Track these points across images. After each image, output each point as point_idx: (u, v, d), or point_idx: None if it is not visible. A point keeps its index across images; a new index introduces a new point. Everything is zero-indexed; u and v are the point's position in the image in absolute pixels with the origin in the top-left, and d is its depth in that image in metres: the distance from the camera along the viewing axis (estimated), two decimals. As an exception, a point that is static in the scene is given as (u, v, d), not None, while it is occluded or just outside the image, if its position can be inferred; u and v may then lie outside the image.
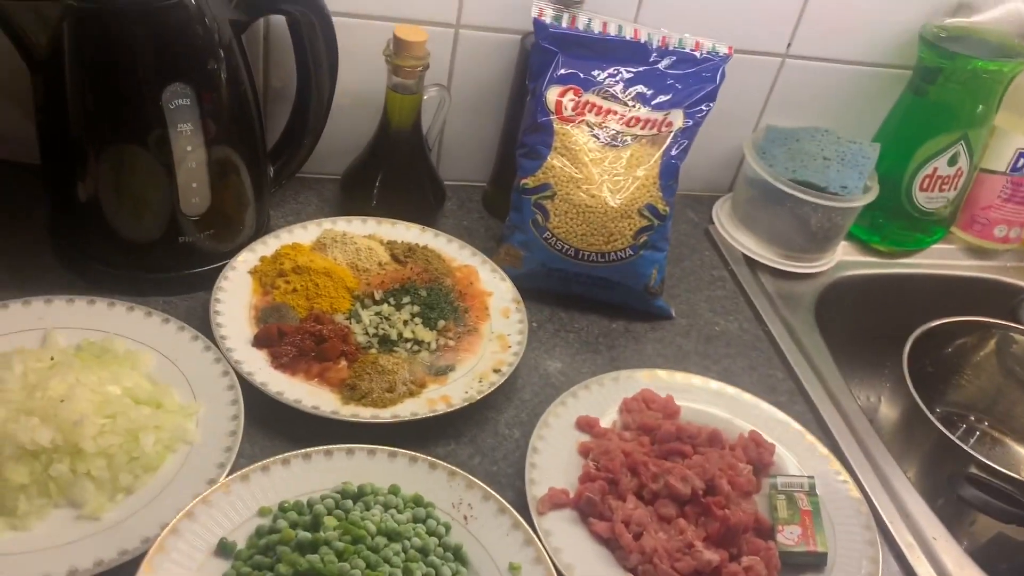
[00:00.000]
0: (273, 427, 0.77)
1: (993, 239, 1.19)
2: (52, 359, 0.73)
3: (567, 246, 0.93)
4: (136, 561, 0.62)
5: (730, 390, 0.88)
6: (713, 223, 1.16)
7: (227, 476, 0.69)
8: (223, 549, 0.65)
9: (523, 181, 0.94)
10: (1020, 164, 1.13)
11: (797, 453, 0.83)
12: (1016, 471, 1.07)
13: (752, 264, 1.10)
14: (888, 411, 1.07)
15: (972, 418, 1.14)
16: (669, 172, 0.94)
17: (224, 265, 0.87)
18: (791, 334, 1.01)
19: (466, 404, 0.79)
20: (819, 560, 0.73)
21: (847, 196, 1.05)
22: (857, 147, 1.08)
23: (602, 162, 0.93)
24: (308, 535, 0.65)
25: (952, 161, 1.10)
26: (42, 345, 0.77)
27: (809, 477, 0.79)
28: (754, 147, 1.10)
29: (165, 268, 0.86)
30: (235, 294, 0.85)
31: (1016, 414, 1.11)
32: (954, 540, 0.82)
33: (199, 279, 0.87)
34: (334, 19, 0.90)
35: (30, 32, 0.74)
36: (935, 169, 1.10)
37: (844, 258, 1.15)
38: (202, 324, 0.82)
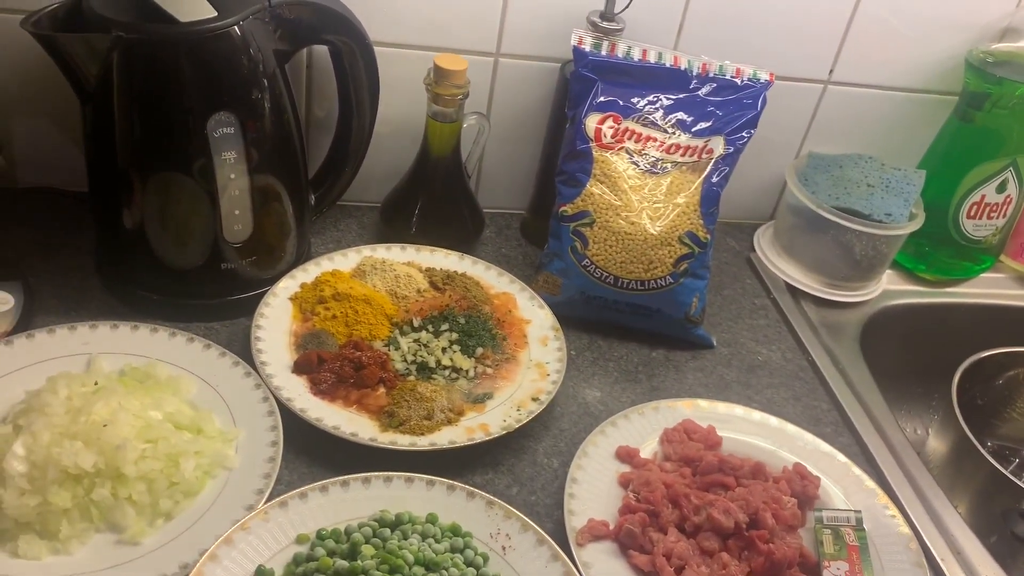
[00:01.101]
0: (312, 454, 0.77)
1: (1043, 268, 1.16)
2: (96, 384, 0.74)
3: (606, 273, 0.92)
4: (175, 587, 0.62)
5: (773, 421, 0.86)
6: (755, 251, 1.14)
7: (265, 503, 0.69)
8: (261, 576, 0.65)
9: (562, 208, 0.93)
10: (1071, 191, 1.11)
11: (843, 486, 0.81)
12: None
13: (795, 293, 1.08)
14: (937, 444, 1.04)
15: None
16: (710, 199, 0.93)
17: (265, 291, 0.88)
18: (835, 364, 0.99)
19: (504, 433, 0.78)
20: (867, 598, 0.71)
21: (892, 224, 1.03)
22: (902, 174, 1.07)
23: (642, 189, 0.93)
24: (345, 564, 0.64)
25: (1001, 188, 1.08)
26: (86, 370, 0.78)
27: (856, 511, 0.77)
28: (796, 174, 1.08)
29: (208, 295, 0.87)
30: (275, 320, 0.86)
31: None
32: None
33: (241, 305, 0.88)
34: (376, 49, 0.91)
35: (81, 63, 0.76)
36: (983, 196, 1.08)
37: (889, 287, 1.12)
38: (243, 350, 0.83)
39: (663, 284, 0.93)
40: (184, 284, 0.87)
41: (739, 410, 0.87)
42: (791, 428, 0.86)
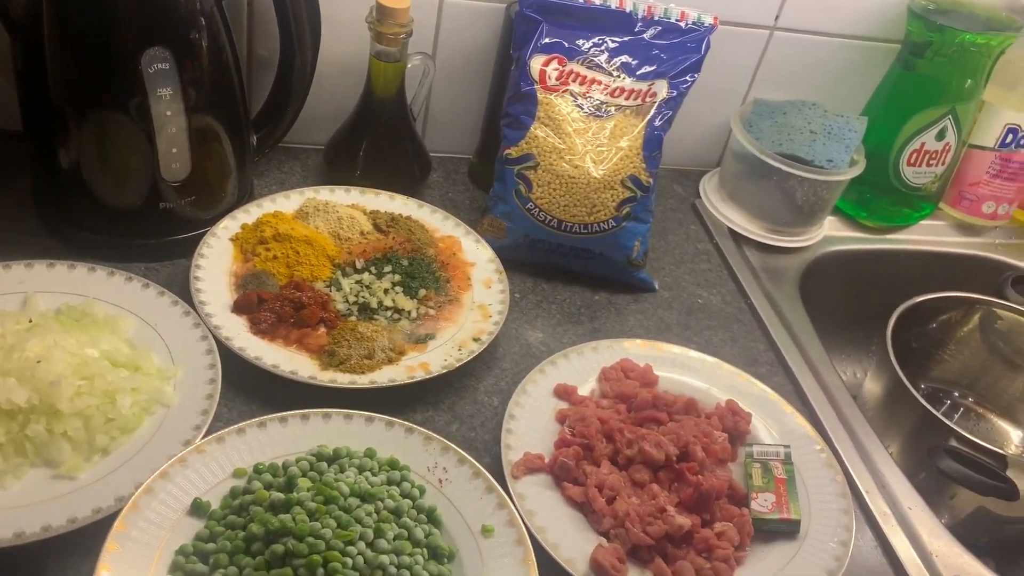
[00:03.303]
0: (252, 393, 0.78)
1: (981, 215, 1.19)
2: (30, 322, 0.73)
3: (550, 217, 0.93)
4: (110, 519, 0.62)
5: (710, 360, 0.88)
6: (700, 197, 1.16)
7: (203, 438, 0.70)
8: (197, 509, 0.65)
9: (506, 151, 0.94)
10: (1009, 140, 1.13)
11: (775, 423, 0.83)
12: (999, 446, 1.07)
13: (737, 238, 1.10)
14: (873, 386, 1.07)
15: (956, 394, 1.14)
16: (653, 143, 0.94)
17: (206, 232, 0.87)
18: (774, 307, 1.01)
19: (445, 371, 0.79)
20: (792, 527, 0.73)
21: (833, 170, 1.05)
22: (844, 121, 1.08)
23: (585, 132, 0.93)
24: (281, 495, 0.65)
25: (940, 136, 1.10)
26: (21, 308, 0.78)
27: (785, 446, 0.79)
28: (741, 120, 1.09)
29: (146, 234, 0.87)
30: (216, 261, 0.85)
31: (999, 390, 1.11)
32: (930, 510, 0.82)
33: (181, 246, 0.87)
34: (317, -14, 0.90)
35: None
36: (923, 144, 1.10)
37: (831, 233, 1.14)
38: (182, 290, 0.82)
39: (606, 228, 0.94)
40: (123, 224, 0.86)
41: (676, 350, 0.89)
42: (727, 367, 0.88)
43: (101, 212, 0.85)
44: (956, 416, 1.13)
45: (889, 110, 1.10)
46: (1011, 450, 1.08)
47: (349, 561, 0.61)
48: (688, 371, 0.87)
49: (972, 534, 0.91)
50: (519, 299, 0.94)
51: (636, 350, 0.87)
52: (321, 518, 0.63)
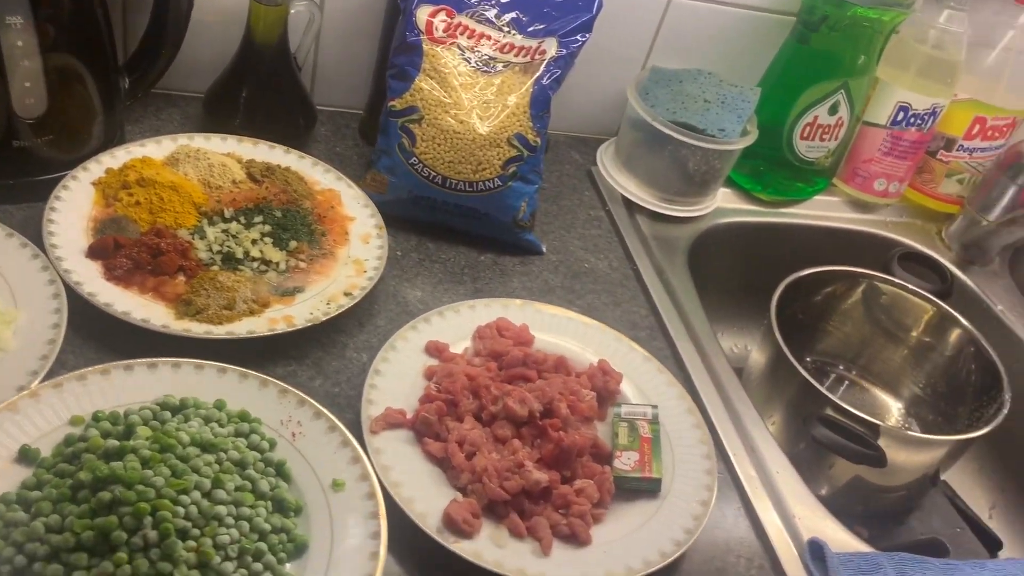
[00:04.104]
0: (103, 341, 0.74)
1: (873, 192, 1.20)
2: None
3: (434, 173, 0.91)
4: (-75, 465, 0.58)
5: (588, 322, 0.87)
6: (596, 164, 1.15)
7: (39, 383, 0.66)
8: (25, 456, 0.62)
9: (391, 103, 0.91)
10: (900, 118, 1.14)
11: (647, 386, 0.83)
12: (880, 417, 1.09)
13: (631, 206, 1.09)
14: (758, 357, 1.07)
15: (841, 367, 1.16)
16: (541, 102, 0.92)
17: (66, 175, 0.83)
18: (660, 275, 1.00)
19: (309, 325, 0.77)
20: (653, 486, 0.73)
21: (724, 139, 1.05)
22: (738, 91, 1.08)
23: (472, 87, 0.91)
24: (117, 443, 0.62)
25: (833, 110, 1.10)
26: None
27: (653, 406, 0.79)
28: (637, 88, 1.08)
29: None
30: (74, 204, 0.81)
31: (881, 362, 1.13)
32: (798, 475, 0.83)
33: (38, 188, 0.82)
34: (192, -79, 0.86)
35: None
36: (816, 118, 1.11)
37: (725, 205, 1.15)
38: (37, 235, 0.78)
39: (491, 187, 0.92)
40: (-27, 161, 0.81)
41: (555, 311, 0.87)
42: (605, 329, 0.87)
43: (-50, 148, 0.80)
44: (841, 389, 1.14)
45: (784, 82, 1.11)
46: (890, 421, 1.10)
47: (181, 511, 0.58)
48: (565, 333, 0.86)
49: (848, 504, 0.92)
50: (400, 257, 0.92)
51: (515, 310, 0.86)
52: (155, 466, 0.60)
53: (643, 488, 0.73)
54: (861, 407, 0.94)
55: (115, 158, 0.87)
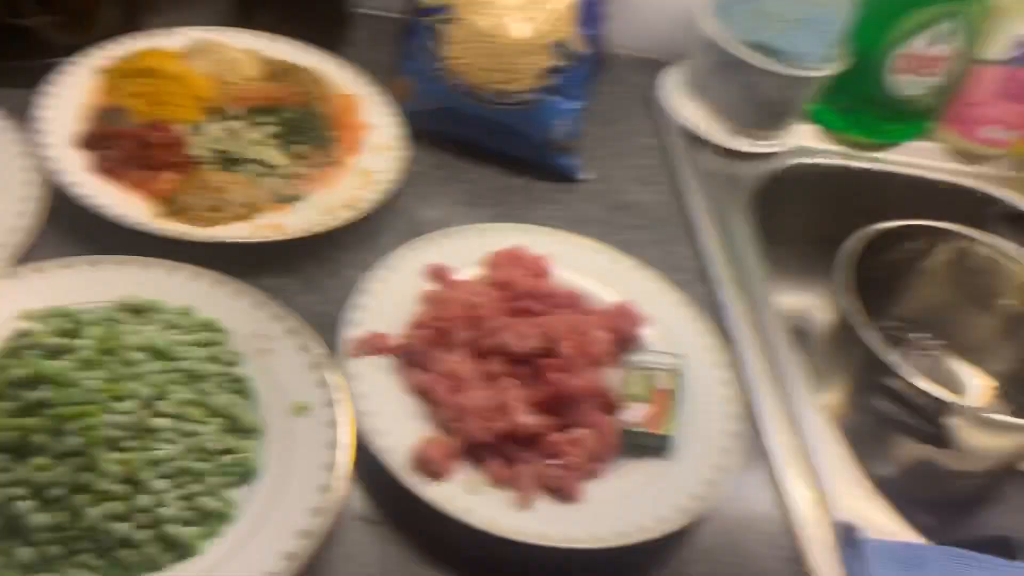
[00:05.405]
0: (81, 236, 0.69)
1: (980, 140, 1.05)
2: None
3: (463, 81, 0.82)
4: None
5: (620, 258, 0.78)
6: (658, 89, 1.03)
7: (-4, 274, 0.62)
8: (-32, 347, 0.58)
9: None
10: (1021, 54, 0.99)
11: (680, 334, 0.73)
12: (956, 391, 0.96)
13: (691, 138, 0.98)
14: (821, 317, 0.96)
15: (919, 334, 1.02)
16: (592, 4, 0.82)
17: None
18: (715, 215, 0.89)
19: (302, 236, 0.70)
20: (659, 443, 0.63)
21: (803, 65, 0.92)
22: (826, 10, 0.94)
23: (512, -15, 0.81)
24: (60, 341, 0.57)
25: (936, 39, 0.95)
26: None
27: (678, 356, 0.69)
28: (713, 5, 0.96)
29: (-3, 54, 0.77)
30: (71, 90, 0.76)
31: (967, 332, 0.99)
32: (847, 449, 0.72)
33: (37, 73, 0.77)
34: None
35: None
36: (915, 48, 0.96)
37: (801, 144, 1.02)
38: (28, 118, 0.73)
39: (526, 99, 0.82)
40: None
41: (583, 241, 0.78)
42: (639, 268, 0.77)
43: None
44: (913, 357, 1.01)
45: (880, 3, 0.96)
46: (972, 400, 0.97)
47: (113, 419, 0.53)
48: (591, 267, 0.76)
49: (911, 488, 0.82)
50: (421, 173, 0.84)
51: (535, 237, 0.77)
52: (94, 369, 0.55)
53: (648, 444, 0.63)
54: (937, 380, 0.83)
55: (124, 46, 0.81)
